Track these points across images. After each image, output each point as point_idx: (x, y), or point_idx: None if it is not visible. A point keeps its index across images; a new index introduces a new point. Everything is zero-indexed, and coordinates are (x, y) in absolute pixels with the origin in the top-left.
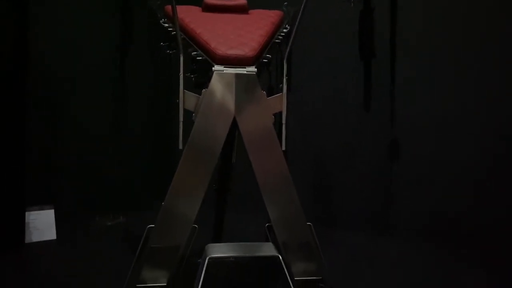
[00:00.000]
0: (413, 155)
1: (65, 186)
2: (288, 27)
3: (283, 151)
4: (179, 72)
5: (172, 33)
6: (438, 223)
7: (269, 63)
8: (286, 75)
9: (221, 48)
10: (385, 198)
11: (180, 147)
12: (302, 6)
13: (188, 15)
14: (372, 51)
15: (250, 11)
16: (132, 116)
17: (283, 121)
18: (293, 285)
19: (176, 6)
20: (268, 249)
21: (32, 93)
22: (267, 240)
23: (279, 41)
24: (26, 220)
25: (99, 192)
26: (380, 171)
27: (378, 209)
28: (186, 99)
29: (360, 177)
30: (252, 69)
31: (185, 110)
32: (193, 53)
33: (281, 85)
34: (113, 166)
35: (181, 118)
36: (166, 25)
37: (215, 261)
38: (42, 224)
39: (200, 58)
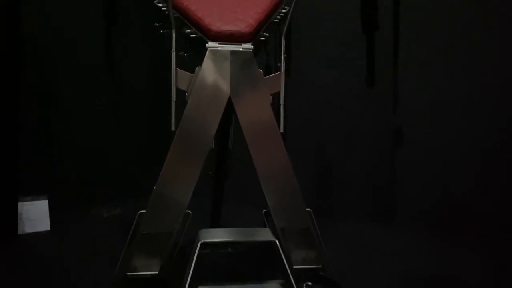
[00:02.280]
0: (416, 144)
1: (59, 175)
2: (287, 7)
3: (281, 133)
4: (171, 49)
5: (166, 12)
6: (441, 212)
7: (267, 42)
8: (285, 53)
9: (216, 24)
10: (387, 187)
11: (173, 128)
12: None
13: None
14: (375, 22)
15: None
16: (126, 103)
17: (281, 102)
18: (291, 274)
19: None
20: (265, 234)
21: (24, 82)
22: (264, 227)
23: (277, 20)
24: (19, 211)
25: (95, 182)
26: (382, 159)
27: (380, 198)
28: (179, 77)
29: (362, 166)
30: (248, 46)
31: (178, 90)
32: (186, 31)
33: (279, 64)
34: (109, 155)
35: (173, 98)
36: (160, 5)
37: (208, 247)
38: (35, 215)
39: (194, 35)
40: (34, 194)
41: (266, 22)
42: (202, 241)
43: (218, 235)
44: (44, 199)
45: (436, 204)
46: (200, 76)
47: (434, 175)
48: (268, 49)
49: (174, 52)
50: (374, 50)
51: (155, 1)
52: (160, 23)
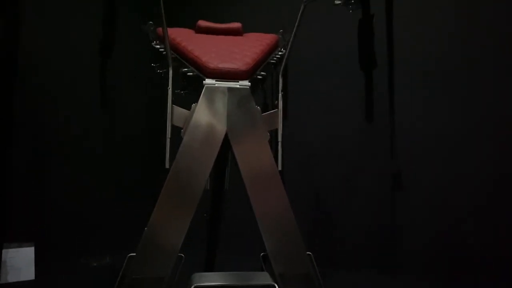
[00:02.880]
0: (416, 187)
1: (47, 222)
2: (284, 50)
3: (279, 171)
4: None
5: (163, 53)
6: (442, 259)
7: (264, 80)
8: (282, 91)
9: (213, 61)
10: (387, 234)
11: (167, 166)
12: (296, 24)
13: (180, 35)
14: (373, 60)
15: (245, 34)
16: (118, 148)
17: (279, 139)
18: None
19: (169, 28)
20: (263, 279)
21: (14, 130)
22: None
23: (274, 61)
24: (3, 258)
25: (84, 230)
26: (381, 205)
27: (380, 246)
28: (175, 114)
29: (361, 212)
30: (246, 83)
31: (174, 127)
32: (183, 70)
33: (276, 101)
34: (99, 202)
35: (168, 135)
36: (158, 46)
37: None
38: (20, 263)
39: (191, 74)
40: (19, 240)
41: (263, 62)
42: (195, 285)
43: (212, 279)
44: (30, 246)
45: (437, 250)
46: (196, 112)
47: (434, 220)
48: (266, 88)
49: (170, 89)
50: (371, 90)
51: (152, 43)
52: (158, 64)
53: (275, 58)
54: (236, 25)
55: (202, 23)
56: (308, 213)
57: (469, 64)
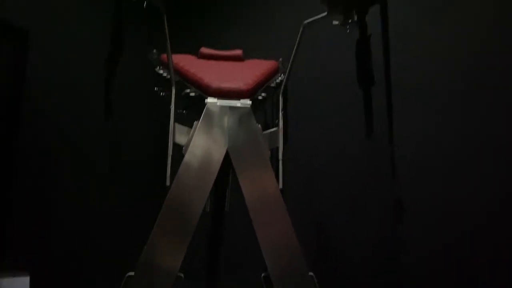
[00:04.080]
0: (419, 213)
1: (44, 252)
2: (283, 76)
3: (280, 189)
4: (170, 105)
5: (167, 77)
6: (447, 281)
7: (265, 101)
8: (282, 110)
9: (215, 81)
10: (391, 261)
11: (167, 183)
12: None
13: (183, 60)
14: (371, 78)
15: (246, 60)
16: (116, 183)
17: (280, 157)
18: None
19: (173, 55)
20: None
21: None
22: None
23: (274, 85)
24: None
25: (81, 261)
26: (385, 232)
27: (384, 270)
28: (177, 132)
29: (364, 239)
30: (247, 101)
31: (176, 145)
32: (186, 90)
33: (277, 120)
34: (98, 234)
35: (170, 152)
36: (161, 71)
37: None
38: None
39: (194, 94)
40: (14, 270)
41: (263, 85)
42: None
43: None
44: (25, 276)
45: (441, 274)
46: (198, 129)
47: (441, 247)
48: (266, 108)
49: (173, 107)
50: (371, 108)
51: (156, 69)
52: (160, 87)
53: (275, 83)
54: (237, 52)
55: (204, 50)
56: (309, 233)
57: (467, 82)
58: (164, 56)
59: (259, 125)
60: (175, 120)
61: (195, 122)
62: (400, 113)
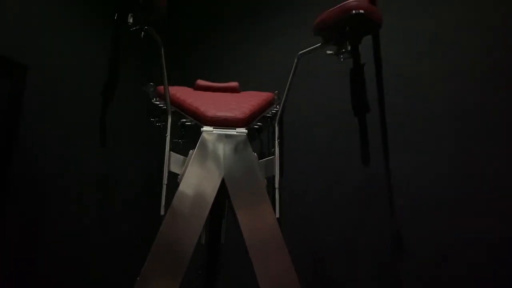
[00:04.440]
0: (419, 247)
1: (43, 269)
2: (279, 107)
3: (277, 218)
4: (165, 133)
5: (163, 107)
6: None
7: (260, 131)
8: (278, 138)
9: (211, 110)
10: None
11: (162, 212)
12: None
13: (180, 91)
14: (366, 105)
15: (242, 92)
16: (111, 207)
17: (276, 186)
18: None
19: (170, 87)
20: None
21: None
22: None
23: (270, 115)
24: None
25: (80, 278)
26: (383, 265)
27: None
28: (172, 160)
29: (362, 271)
30: (243, 130)
31: (172, 174)
32: (182, 120)
33: (273, 149)
34: (91, 262)
35: (165, 181)
36: (157, 102)
37: None
38: None
39: (190, 123)
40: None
41: (260, 113)
42: None
43: None
44: None
45: None
46: (193, 158)
47: (435, 282)
48: (262, 138)
49: (168, 136)
50: (366, 136)
51: (152, 100)
52: (156, 118)
53: (270, 113)
54: (233, 83)
55: (200, 82)
56: (306, 264)
57: (462, 110)
58: (161, 87)
59: (255, 154)
60: (171, 150)
61: (190, 151)
62: (395, 142)
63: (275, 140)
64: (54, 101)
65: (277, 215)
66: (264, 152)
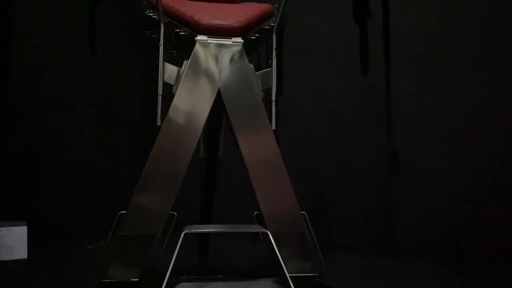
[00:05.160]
0: (414, 169)
1: (41, 201)
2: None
3: (273, 130)
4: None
5: (156, 19)
6: (441, 241)
7: (258, 42)
8: (276, 49)
9: (205, 19)
10: (385, 217)
11: (158, 123)
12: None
13: (173, 1)
14: (367, 11)
15: (240, 3)
16: (115, 134)
17: (273, 98)
18: (286, 269)
19: None
20: (255, 228)
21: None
22: None
23: (268, 27)
24: None
25: (80, 210)
26: (379, 187)
27: (379, 228)
28: (167, 71)
29: (359, 195)
30: (239, 39)
31: (166, 84)
32: (175, 30)
33: (270, 61)
34: (96, 182)
35: (160, 92)
36: (151, 14)
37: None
38: (13, 242)
39: (184, 33)
40: (12, 219)
41: (256, 25)
42: (186, 231)
43: (204, 228)
44: (23, 225)
45: (438, 235)
46: (188, 68)
47: (435, 204)
48: (259, 50)
49: (161, 45)
50: (367, 47)
51: (146, 12)
52: (151, 31)
53: (269, 26)
54: None
55: None
56: (303, 194)
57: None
58: None
59: (251, 65)
60: (165, 61)
61: (185, 61)
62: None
63: (272, 51)
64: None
65: (273, 127)
66: (261, 66)
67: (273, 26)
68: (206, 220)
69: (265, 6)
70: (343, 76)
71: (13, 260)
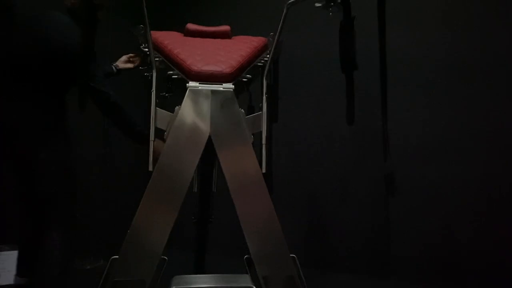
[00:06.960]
0: (408, 189)
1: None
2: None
3: (263, 173)
4: (151, 89)
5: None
6: (435, 261)
7: (249, 83)
8: (266, 93)
9: (197, 64)
10: (380, 237)
11: (150, 168)
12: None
13: (168, 38)
14: (354, 62)
15: (234, 37)
16: (117, 154)
17: (263, 142)
18: None
19: (159, 32)
20: (243, 281)
21: None
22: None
23: (261, 64)
24: None
25: (78, 233)
26: (374, 209)
27: (373, 248)
28: (159, 117)
29: (354, 215)
30: (229, 85)
31: (158, 130)
32: (168, 72)
33: (261, 104)
34: (95, 205)
35: (152, 137)
36: (146, 49)
37: None
38: (12, 265)
39: (176, 76)
40: (12, 243)
41: (249, 65)
42: (174, 287)
43: (192, 282)
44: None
45: (432, 254)
46: (180, 114)
47: (429, 224)
48: (251, 91)
49: (154, 91)
50: (352, 92)
51: (141, 46)
52: (145, 67)
53: (262, 61)
54: (224, 28)
55: (190, 26)
56: (300, 216)
57: (457, 70)
58: (153, 32)
59: (242, 110)
60: (158, 105)
61: (176, 107)
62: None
63: (263, 95)
64: None
65: (264, 170)
66: (253, 106)
67: (265, 61)
68: (200, 252)
69: (259, 42)
70: (333, 93)
71: (11, 285)
